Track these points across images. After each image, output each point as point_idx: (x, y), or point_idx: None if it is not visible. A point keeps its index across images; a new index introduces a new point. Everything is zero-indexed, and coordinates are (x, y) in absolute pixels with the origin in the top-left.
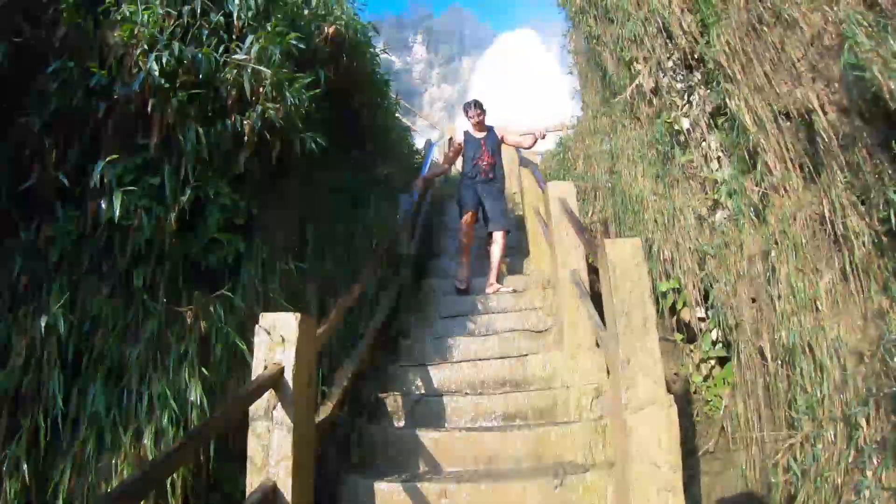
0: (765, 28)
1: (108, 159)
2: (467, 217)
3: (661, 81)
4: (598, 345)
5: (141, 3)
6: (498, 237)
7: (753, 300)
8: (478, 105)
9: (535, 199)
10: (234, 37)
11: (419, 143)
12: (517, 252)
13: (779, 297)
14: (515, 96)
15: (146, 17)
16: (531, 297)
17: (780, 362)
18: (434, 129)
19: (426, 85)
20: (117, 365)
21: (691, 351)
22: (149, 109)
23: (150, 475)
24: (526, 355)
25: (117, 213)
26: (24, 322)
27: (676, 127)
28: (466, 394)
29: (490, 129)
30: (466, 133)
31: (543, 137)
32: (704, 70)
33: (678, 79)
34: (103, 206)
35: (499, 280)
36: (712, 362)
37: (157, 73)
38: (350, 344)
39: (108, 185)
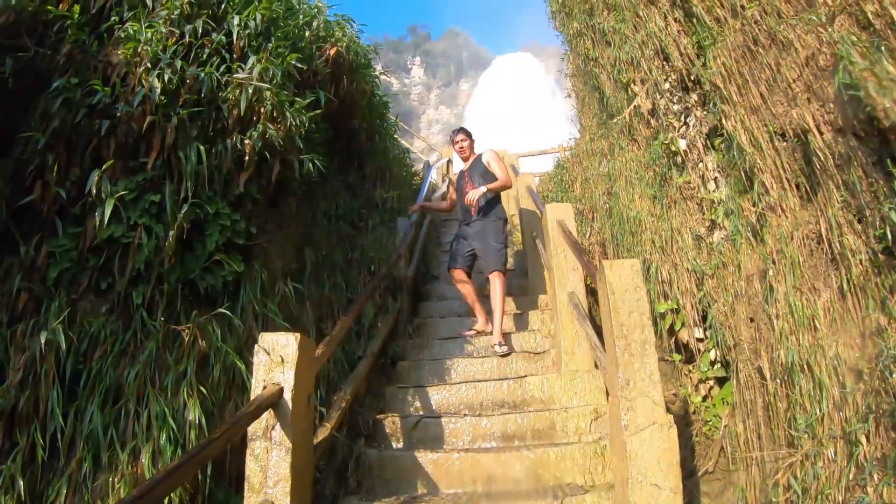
0: (760, 49)
1: (104, 168)
2: (455, 275)
3: (658, 103)
4: (596, 366)
5: (144, 21)
6: (495, 283)
7: (752, 320)
8: (462, 131)
9: (534, 220)
10: (235, 57)
11: (417, 166)
12: (515, 274)
13: (777, 316)
14: (513, 119)
15: (149, 35)
16: (529, 319)
17: (779, 381)
18: (433, 152)
19: (424, 107)
20: (115, 384)
21: (690, 371)
22: (150, 127)
23: (147, 495)
24: (524, 377)
25: (126, 229)
26: (22, 339)
27: (673, 148)
28: (465, 415)
29: (477, 157)
30: (458, 167)
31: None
32: (701, 91)
33: (675, 100)
34: (104, 221)
35: (504, 340)
36: (711, 382)
37: (158, 91)
38: (348, 366)
39: (109, 200)
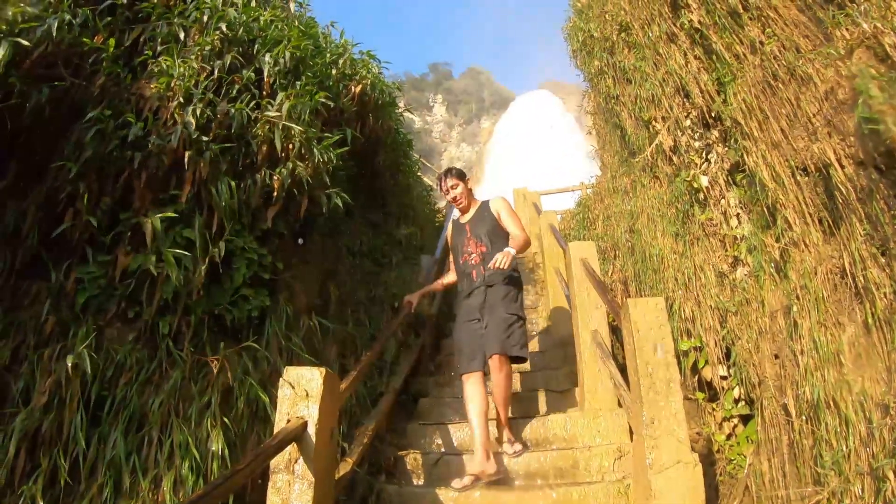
0: (780, 85)
1: (157, 215)
2: (469, 379)
3: (680, 140)
4: (619, 405)
5: (177, 56)
6: (498, 373)
7: (776, 356)
8: (451, 174)
9: (556, 258)
10: (264, 93)
11: (440, 203)
12: (537, 312)
13: (801, 352)
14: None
15: (182, 70)
16: (552, 357)
17: (804, 418)
18: None
19: (446, 144)
20: (139, 411)
21: (713, 409)
22: (184, 162)
23: None
24: (547, 415)
25: (158, 261)
26: (48, 363)
27: (695, 185)
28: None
29: (481, 206)
30: (454, 223)
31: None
32: (722, 128)
33: (696, 137)
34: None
35: (514, 435)
36: (735, 421)
37: (192, 127)
38: (370, 402)
39: (142, 234)
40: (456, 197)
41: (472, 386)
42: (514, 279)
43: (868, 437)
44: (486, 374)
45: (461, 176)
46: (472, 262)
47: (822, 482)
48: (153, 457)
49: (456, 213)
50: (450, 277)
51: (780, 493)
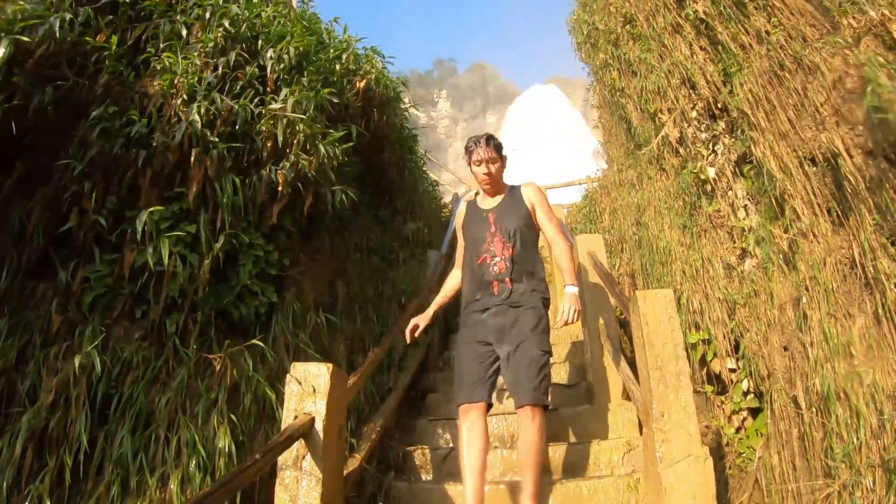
0: (786, 74)
1: (150, 209)
2: (468, 413)
3: (686, 132)
4: (628, 399)
5: (179, 53)
6: (529, 426)
7: (785, 348)
8: (487, 140)
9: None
10: (268, 90)
11: (446, 198)
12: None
13: (811, 343)
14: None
15: (185, 67)
16: (560, 352)
17: (814, 410)
18: (461, 184)
19: (451, 140)
20: (146, 410)
21: (722, 403)
22: (189, 159)
23: None
24: (556, 409)
25: (162, 257)
26: (55, 362)
27: (702, 177)
28: (496, 447)
29: (510, 191)
30: (469, 205)
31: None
32: (728, 119)
33: (703, 128)
34: (148, 252)
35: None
36: (744, 414)
37: (198, 123)
38: (378, 399)
39: (147, 231)
40: (490, 174)
41: (471, 424)
42: (546, 301)
43: (879, 428)
44: (489, 406)
45: (499, 148)
46: (496, 267)
47: (832, 475)
48: (160, 455)
49: (470, 194)
50: (454, 280)
51: (791, 486)
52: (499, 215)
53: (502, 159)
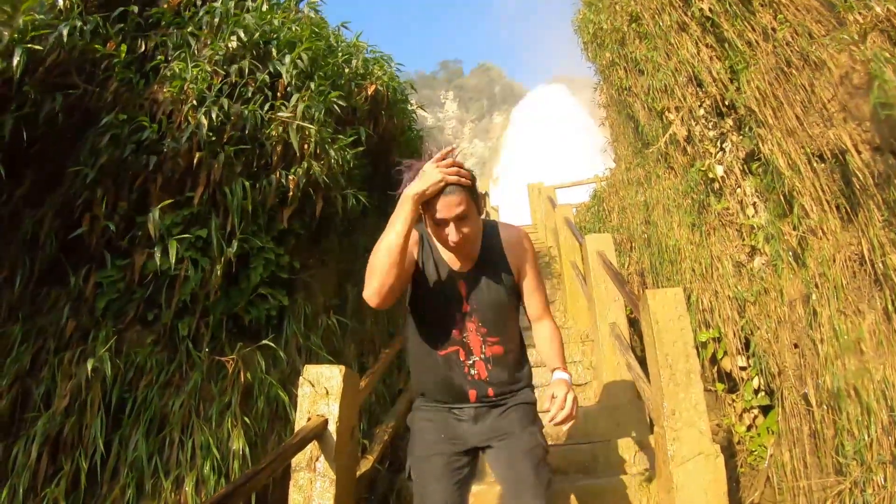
0: (793, 71)
1: (159, 206)
2: None
3: (694, 130)
4: (638, 397)
5: (189, 60)
6: None
7: (795, 346)
8: (457, 188)
9: (572, 251)
10: (278, 95)
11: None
12: (554, 306)
13: (821, 341)
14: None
15: (195, 73)
16: (570, 351)
17: (825, 407)
18: None
19: (458, 141)
20: (160, 413)
21: (733, 401)
22: (196, 163)
23: None
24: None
25: (170, 261)
26: (69, 367)
27: (711, 175)
28: None
29: (489, 240)
30: (428, 243)
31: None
32: (736, 116)
33: (710, 126)
34: (156, 255)
35: None
36: (755, 411)
37: (205, 129)
38: (389, 400)
39: (158, 235)
40: (466, 237)
41: None
42: (533, 388)
43: (890, 425)
44: None
45: (474, 191)
46: (473, 370)
47: (844, 472)
48: (175, 458)
49: (432, 249)
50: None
51: (802, 483)
52: (474, 286)
53: (479, 205)
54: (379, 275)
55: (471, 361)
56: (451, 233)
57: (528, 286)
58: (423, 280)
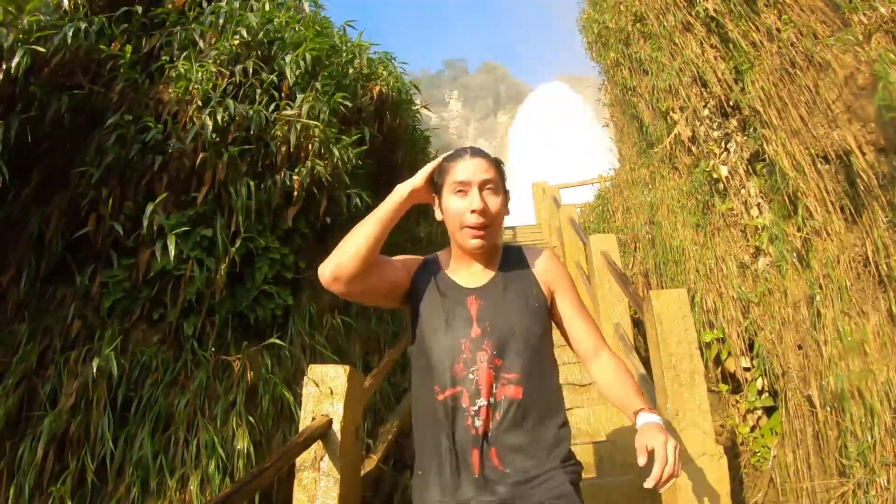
0: (798, 72)
1: (157, 200)
2: None
3: (698, 130)
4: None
5: (194, 60)
6: None
7: (799, 347)
8: (479, 154)
9: (577, 252)
10: (283, 95)
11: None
12: None
13: (825, 342)
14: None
15: (200, 74)
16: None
17: (829, 409)
18: None
19: (463, 140)
20: (165, 412)
21: (737, 402)
22: (201, 163)
23: None
24: (570, 409)
25: (170, 258)
26: (75, 366)
27: (715, 175)
28: None
29: (509, 258)
30: (431, 269)
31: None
32: (740, 117)
33: (715, 127)
34: (157, 254)
35: None
36: (759, 412)
37: (210, 129)
38: (394, 399)
39: (163, 234)
40: (488, 213)
41: None
42: (579, 476)
43: (894, 427)
44: None
45: (501, 169)
46: (479, 419)
47: (847, 473)
48: (180, 456)
49: (431, 256)
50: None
51: (806, 484)
52: (488, 302)
53: (506, 192)
54: (340, 254)
55: (476, 408)
56: (475, 199)
57: (570, 312)
58: (422, 303)
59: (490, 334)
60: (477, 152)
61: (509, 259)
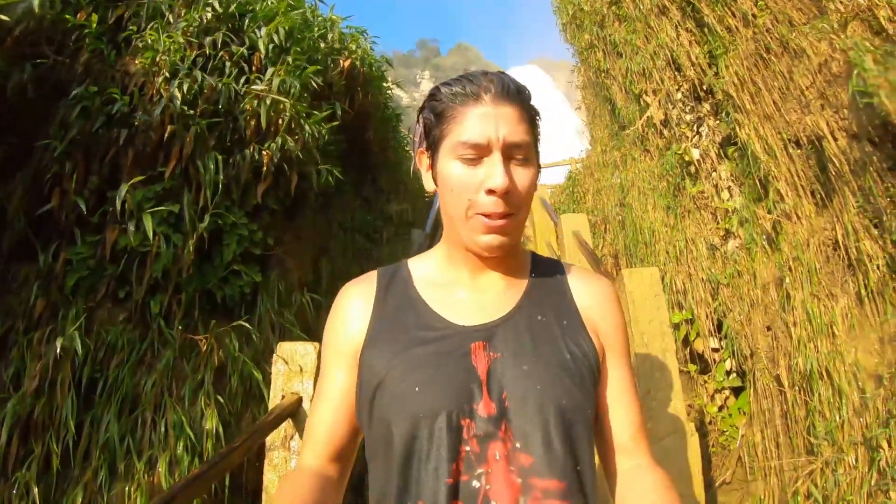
0: (772, 58)
1: (131, 182)
2: None
3: (671, 113)
4: None
5: (162, 31)
6: None
7: (768, 328)
8: (519, 93)
9: (548, 232)
10: (253, 69)
11: None
12: None
13: (794, 323)
14: None
15: (168, 45)
16: None
17: (797, 389)
18: None
19: None
20: (132, 393)
21: (705, 381)
22: (168, 137)
23: None
24: None
25: (146, 237)
26: (38, 347)
27: (687, 158)
28: None
29: (538, 273)
30: (408, 300)
31: None
32: (713, 101)
33: (687, 110)
34: (129, 229)
35: None
36: (727, 392)
37: (178, 101)
38: None
39: (129, 210)
40: (513, 183)
41: None
42: None
43: (861, 406)
44: None
45: (534, 119)
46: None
47: (815, 452)
48: (147, 438)
49: (384, 271)
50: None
51: (773, 463)
52: (509, 356)
53: (537, 156)
54: None
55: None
56: (496, 172)
57: (618, 385)
58: (376, 356)
59: (513, 413)
60: (504, 91)
61: (542, 274)
